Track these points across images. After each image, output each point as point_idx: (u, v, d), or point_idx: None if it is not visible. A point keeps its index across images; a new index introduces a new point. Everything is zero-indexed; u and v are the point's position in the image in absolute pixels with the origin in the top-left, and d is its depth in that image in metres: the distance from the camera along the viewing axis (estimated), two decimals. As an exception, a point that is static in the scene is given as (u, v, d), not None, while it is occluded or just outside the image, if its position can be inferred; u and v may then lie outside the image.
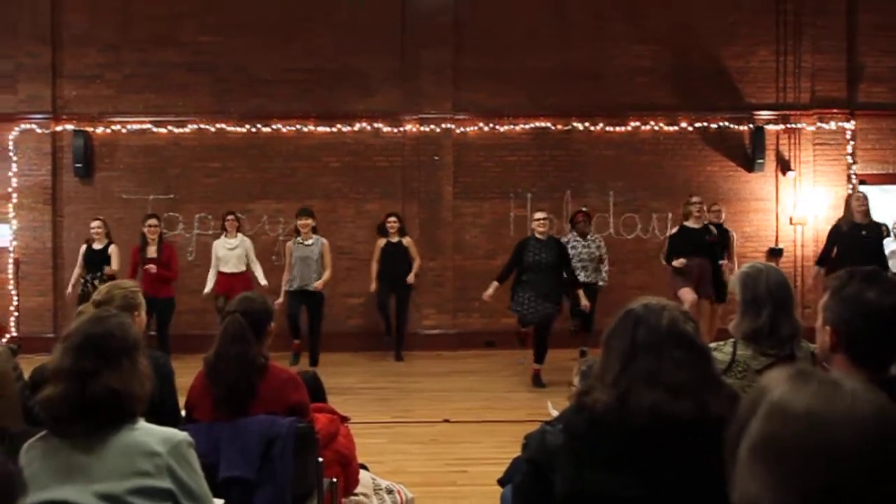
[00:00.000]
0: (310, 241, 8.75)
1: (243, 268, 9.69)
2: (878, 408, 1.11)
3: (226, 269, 9.62)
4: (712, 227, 8.99)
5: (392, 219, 9.98)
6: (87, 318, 2.33)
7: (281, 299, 8.94)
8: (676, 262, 8.55)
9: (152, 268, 9.18)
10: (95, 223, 9.60)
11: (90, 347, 2.21)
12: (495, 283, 8.56)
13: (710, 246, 8.72)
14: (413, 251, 10.03)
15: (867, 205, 8.70)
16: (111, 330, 2.27)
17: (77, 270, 9.68)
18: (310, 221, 8.84)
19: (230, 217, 9.81)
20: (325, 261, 8.88)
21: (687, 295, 8.31)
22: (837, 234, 8.68)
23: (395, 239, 9.93)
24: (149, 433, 2.22)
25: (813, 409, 1.12)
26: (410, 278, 9.99)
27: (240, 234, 9.90)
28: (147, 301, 9.01)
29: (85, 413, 2.16)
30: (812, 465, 1.08)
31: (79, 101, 11.04)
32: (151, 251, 9.09)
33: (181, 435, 2.26)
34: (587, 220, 9.90)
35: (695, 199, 8.93)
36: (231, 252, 9.65)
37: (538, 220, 8.51)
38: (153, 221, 9.24)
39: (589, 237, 9.73)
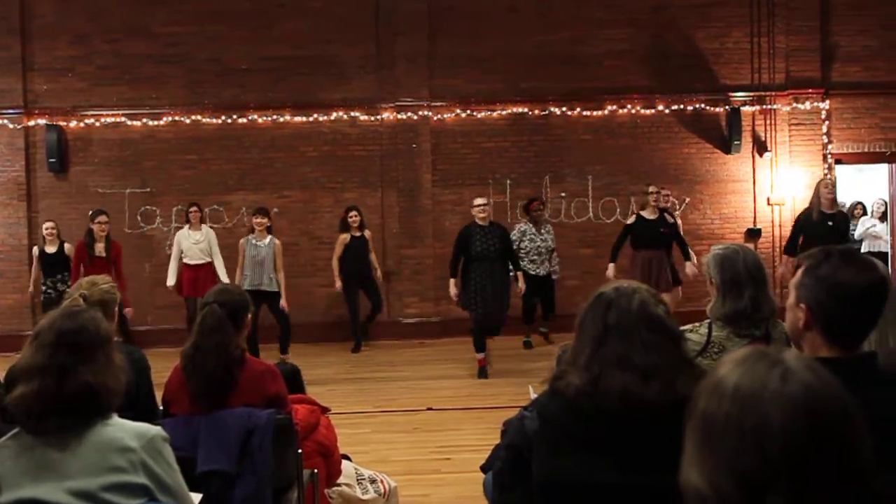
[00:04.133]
0: (263, 242, 8.68)
1: (207, 259, 9.62)
2: (808, 388, 1.10)
3: (190, 262, 9.54)
4: (668, 217, 8.96)
5: (353, 213, 9.89)
6: (58, 314, 2.30)
7: None
8: (609, 274, 8.55)
9: (129, 311, 8.75)
10: (49, 224, 9.43)
11: (64, 343, 2.19)
12: (453, 280, 8.35)
13: (666, 237, 8.75)
14: (371, 244, 10.01)
15: (835, 192, 8.74)
16: (84, 324, 2.25)
17: (34, 274, 9.63)
18: (265, 221, 8.75)
19: (194, 209, 9.72)
20: (278, 263, 8.76)
21: None
22: (805, 223, 8.69)
23: (357, 233, 9.88)
24: (122, 429, 2.20)
25: (743, 388, 1.11)
26: (378, 276, 10.02)
27: (204, 227, 9.82)
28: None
29: (61, 409, 2.14)
30: (742, 445, 1.08)
31: (51, 94, 10.89)
32: (99, 248, 8.81)
33: (155, 430, 2.24)
34: (542, 207, 9.84)
35: (651, 188, 8.90)
36: (196, 245, 9.58)
37: (479, 206, 8.31)
38: (104, 218, 8.88)
39: (543, 229, 9.66)
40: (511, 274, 8.53)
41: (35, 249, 9.52)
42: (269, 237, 8.75)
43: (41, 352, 2.18)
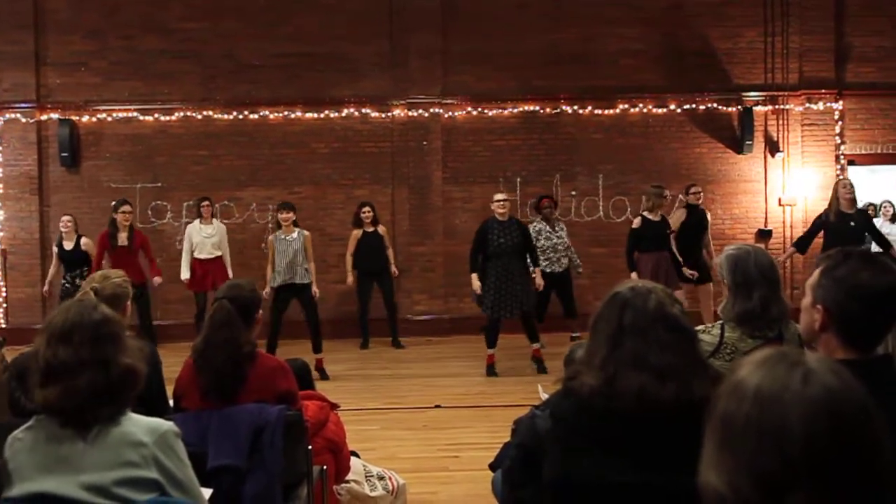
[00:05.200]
0: (292, 236, 8.67)
1: (219, 253, 9.66)
2: (830, 390, 1.09)
3: (201, 255, 9.57)
4: (667, 219, 8.95)
5: (366, 208, 9.90)
6: (77, 311, 2.28)
7: (268, 288, 8.87)
8: (633, 276, 8.46)
9: (157, 280, 9.04)
10: (66, 218, 9.41)
11: (101, 336, 2.22)
12: (475, 275, 8.26)
13: (670, 238, 8.73)
14: (387, 239, 10.00)
15: (854, 192, 8.67)
16: (107, 315, 2.30)
17: (52, 270, 9.67)
18: (290, 215, 8.74)
19: (205, 203, 9.76)
20: (309, 253, 8.77)
21: None
22: (824, 223, 8.62)
23: (370, 229, 9.88)
24: (135, 423, 2.21)
25: (764, 389, 1.10)
26: (395, 271, 10.01)
27: (215, 221, 9.86)
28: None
29: (108, 398, 2.18)
30: (762, 446, 1.07)
31: (63, 89, 10.93)
32: (122, 238, 8.89)
33: (167, 425, 2.25)
34: (553, 205, 9.79)
35: (666, 192, 8.83)
36: (208, 239, 9.61)
37: (498, 201, 8.27)
38: (127, 208, 9.00)
39: (557, 226, 9.62)
40: (531, 270, 8.51)
41: (54, 246, 9.48)
42: (297, 230, 8.74)
43: (84, 347, 2.19)
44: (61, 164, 10.84)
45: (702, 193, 9.76)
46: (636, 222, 8.80)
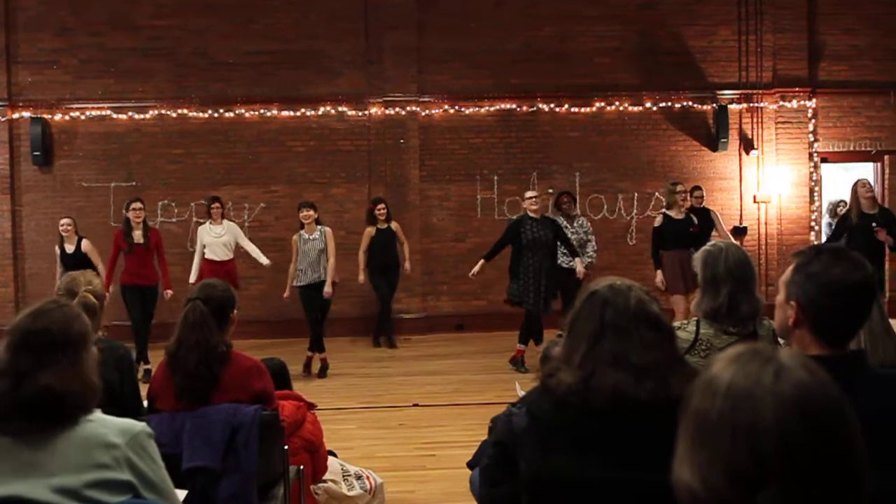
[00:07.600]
0: (314, 235, 8.57)
1: (231, 255, 9.38)
2: (802, 386, 1.09)
3: (212, 257, 9.26)
4: (692, 216, 8.93)
5: (380, 206, 9.83)
6: (28, 313, 2.21)
7: (287, 293, 8.77)
8: (658, 282, 8.46)
9: (168, 293, 8.72)
10: (65, 220, 8.84)
11: (25, 345, 2.12)
12: (482, 262, 8.40)
13: (695, 236, 8.69)
14: (401, 235, 9.96)
15: (873, 191, 8.55)
16: (48, 326, 2.16)
17: (58, 275, 9.14)
18: (312, 213, 8.61)
19: (216, 204, 9.43)
20: (329, 249, 8.68)
21: (679, 305, 8.27)
22: (847, 226, 8.49)
23: (383, 226, 9.82)
24: (105, 425, 2.16)
25: (736, 386, 1.11)
26: (407, 266, 9.97)
27: (225, 221, 9.53)
28: (134, 290, 8.63)
29: (22, 412, 2.08)
30: (734, 443, 1.07)
31: (35, 87, 10.80)
32: (137, 236, 8.60)
33: (139, 426, 2.21)
34: (571, 201, 9.74)
35: (679, 187, 8.74)
36: (217, 240, 9.32)
37: (530, 198, 8.38)
38: (138, 205, 8.59)
39: (575, 222, 9.58)
40: (570, 263, 8.63)
41: (56, 248, 8.93)
42: (319, 228, 8.65)
43: (8, 352, 2.12)
44: (33, 163, 10.70)
45: (703, 195, 9.86)
46: (657, 220, 8.79)
